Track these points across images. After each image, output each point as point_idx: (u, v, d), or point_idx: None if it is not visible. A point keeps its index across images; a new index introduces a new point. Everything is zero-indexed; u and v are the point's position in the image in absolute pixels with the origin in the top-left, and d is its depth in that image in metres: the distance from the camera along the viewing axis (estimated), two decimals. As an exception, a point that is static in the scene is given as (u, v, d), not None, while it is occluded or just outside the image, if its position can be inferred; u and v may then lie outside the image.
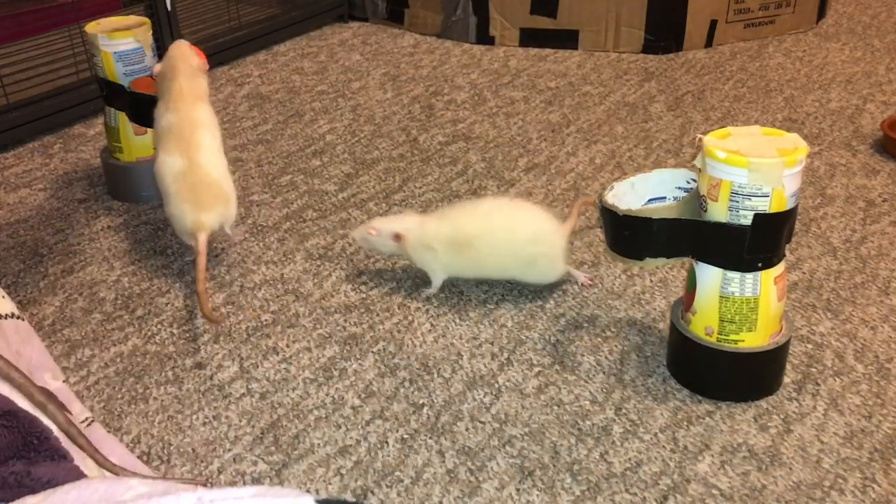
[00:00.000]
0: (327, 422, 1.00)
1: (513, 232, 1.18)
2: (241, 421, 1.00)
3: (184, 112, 1.26)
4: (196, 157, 1.23)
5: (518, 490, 0.90)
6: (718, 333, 0.99)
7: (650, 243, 0.99)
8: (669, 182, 1.04)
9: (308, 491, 0.90)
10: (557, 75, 2.04)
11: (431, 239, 1.20)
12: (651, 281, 1.25)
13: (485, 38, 2.27)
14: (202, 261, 1.15)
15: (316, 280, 1.27)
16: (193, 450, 0.96)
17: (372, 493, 0.90)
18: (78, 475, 0.70)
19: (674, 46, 2.16)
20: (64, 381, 1.02)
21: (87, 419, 0.97)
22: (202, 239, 1.18)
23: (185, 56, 1.30)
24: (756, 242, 0.93)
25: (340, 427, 0.99)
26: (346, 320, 1.17)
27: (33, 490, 0.62)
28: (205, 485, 0.92)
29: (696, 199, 0.97)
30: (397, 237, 1.21)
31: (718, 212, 0.94)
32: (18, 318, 1.03)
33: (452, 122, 1.79)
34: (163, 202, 1.25)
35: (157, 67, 1.34)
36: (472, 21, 2.26)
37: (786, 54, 2.14)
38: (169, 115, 1.27)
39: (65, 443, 0.77)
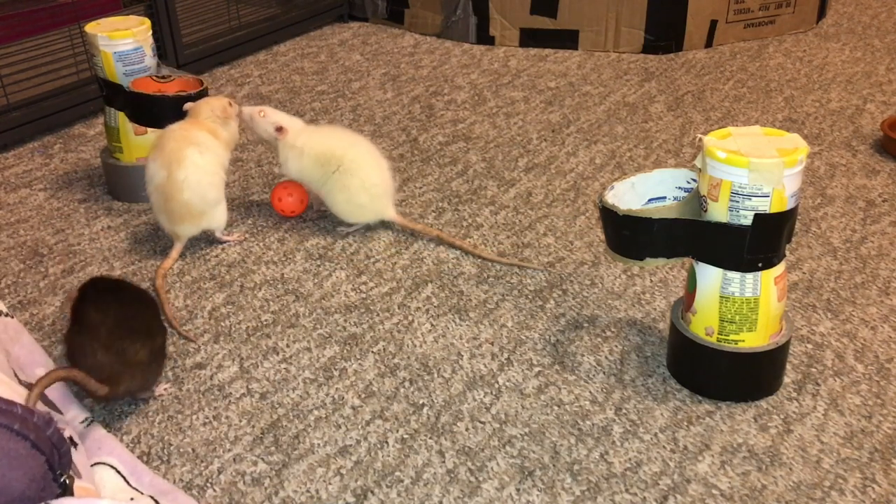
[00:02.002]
0: (327, 422, 1.00)
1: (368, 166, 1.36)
2: (241, 421, 1.00)
3: (185, 126, 1.31)
4: (175, 172, 1.27)
5: (518, 490, 0.90)
6: (718, 333, 0.99)
7: (650, 243, 0.99)
8: (670, 182, 1.04)
9: (308, 491, 0.90)
10: (557, 75, 2.04)
11: (305, 144, 1.36)
12: (651, 281, 1.25)
13: (485, 38, 2.27)
14: (168, 263, 1.29)
15: (316, 280, 1.27)
16: (193, 450, 0.96)
17: (372, 493, 0.90)
18: None
19: (674, 46, 2.16)
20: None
21: (86, 419, 0.97)
22: (176, 247, 1.31)
23: (213, 106, 1.35)
24: (756, 242, 0.93)
25: (340, 427, 0.99)
26: (346, 320, 1.17)
27: None
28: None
29: (696, 199, 0.97)
30: (280, 129, 1.37)
31: (719, 212, 0.94)
32: (7, 315, 1.03)
33: (452, 122, 1.79)
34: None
35: (188, 105, 1.36)
36: (472, 21, 2.26)
37: (786, 54, 2.14)
38: (172, 125, 1.32)
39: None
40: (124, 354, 0.95)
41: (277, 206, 1.42)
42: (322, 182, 1.35)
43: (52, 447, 0.72)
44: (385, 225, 1.40)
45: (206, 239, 1.37)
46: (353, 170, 1.33)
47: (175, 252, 1.30)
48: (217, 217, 1.32)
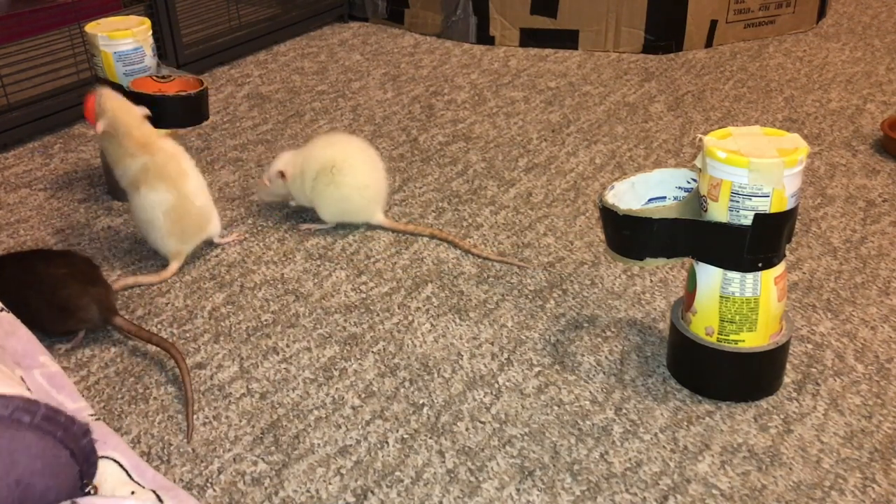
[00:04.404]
0: (327, 422, 1.00)
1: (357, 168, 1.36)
2: (241, 421, 1.00)
3: (155, 150, 1.27)
4: (185, 187, 1.27)
5: (518, 490, 0.90)
6: (718, 333, 0.99)
7: (650, 243, 0.99)
8: (670, 182, 1.04)
9: (308, 491, 0.90)
10: (557, 75, 2.04)
11: (304, 167, 1.36)
12: (651, 281, 1.25)
13: (485, 38, 2.27)
14: (162, 276, 1.28)
15: (316, 280, 1.27)
16: (193, 450, 0.96)
17: (372, 493, 0.90)
18: None
19: (674, 46, 2.16)
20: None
21: (93, 414, 0.97)
22: (173, 266, 1.29)
23: (126, 108, 1.29)
24: (756, 242, 0.93)
25: (340, 427, 0.99)
26: (346, 320, 1.17)
27: None
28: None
29: (696, 199, 0.97)
30: (281, 175, 1.37)
31: (719, 212, 0.94)
32: (2, 310, 1.03)
33: (452, 122, 1.79)
34: (145, 233, 1.31)
35: (100, 126, 1.28)
36: (472, 21, 2.27)
37: (786, 54, 2.14)
38: (142, 159, 1.27)
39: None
40: (104, 283, 1.16)
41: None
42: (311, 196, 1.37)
43: (85, 457, 0.72)
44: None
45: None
46: (346, 170, 1.33)
47: (171, 271, 1.28)
48: (217, 221, 1.33)
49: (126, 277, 1.26)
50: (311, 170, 1.35)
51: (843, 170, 1.56)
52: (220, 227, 1.35)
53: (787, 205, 0.92)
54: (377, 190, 1.37)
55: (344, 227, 1.40)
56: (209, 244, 1.36)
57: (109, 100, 1.29)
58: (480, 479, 0.91)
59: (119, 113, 1.28)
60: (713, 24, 2.18)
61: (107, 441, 0.93)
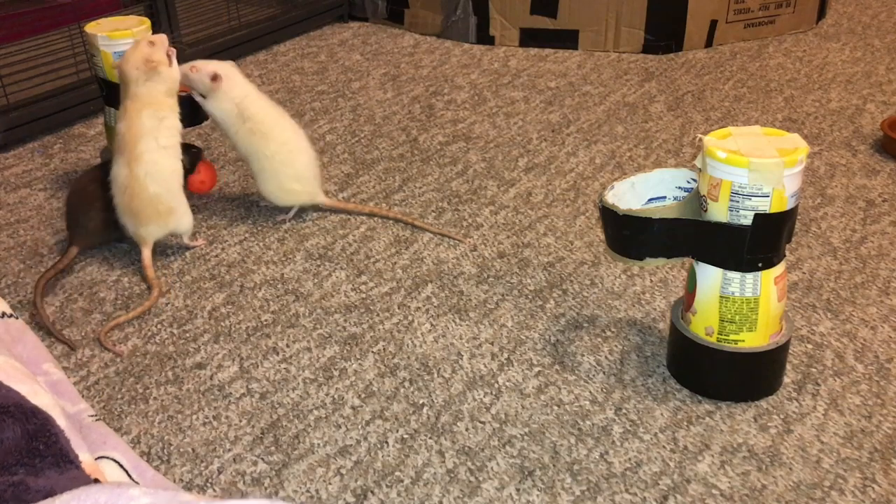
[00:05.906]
0: (327, 422, 1.00)
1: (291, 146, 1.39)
2: (241, 421, 1.00)
3: (127, 121, 1.26)
4: (136, 170, 1.25)
5: (518, 490, 0.90)
6: (718, 333, 0.99)
7: (650, 243, 0.99)
8: (670, 182, 1.04)
9: (308, 491, 0.90)
10: (557, 75, 2.04)
11: (237, 96, 1.36)
12: (651, 281, 1.25)
13: (485, 38, 2.27)
14: (148, 273, 1.26)
15: (316, 280, 1.27)
16: (193, 450, 0.96)
17: (372, 493, 0.90)
18: (83, 483, 0.69)
19: (674, 46, 2.17)
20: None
21: (93, 415, 0.97)
22: (145, 253, 1.28)
23: (132, 60, 1.27)
24: (756, 242, 0.93)
25: (340, 427, 0.99)
26: (346, 320, 1.17)
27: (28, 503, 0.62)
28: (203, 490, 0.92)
29: (696, 199, 0.97)
30: (215, 77, 1.34)
31: (719, 212, 0.94)
32: (11, 316, 1.03)
33: (452, 122, 1.79)
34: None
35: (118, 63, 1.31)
36: (472, 21, 2.26)
37: (786, 54, 2.14)
38: (119, 124, 1.28)
39: (74, 443, 0.76)
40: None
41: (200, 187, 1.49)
42: (237, 139, 1.38)
43: None
44: (385, 225, 1.40)
45: (206, 239, 1.37)
46: (285, 157, 1.37)
47: (146, 261, 1.27)
48: (181, 218, 1.30)
49: (118, 317, 1.18)
50: (247, 113, 1.36)
51: (843, 170, 1.56)
52: (191, 224, 1.32)
53: (787, 205, 0.92)
54: (314, 171, 1.41)
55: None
56: (210, 241, 1.36)
57: (131, 48, 1.29)
58: (480, 479, 0.91)
59: (130, 56, 1.28)
60: (713, 24, 2.18)
61: (107, 441, 0.93)
